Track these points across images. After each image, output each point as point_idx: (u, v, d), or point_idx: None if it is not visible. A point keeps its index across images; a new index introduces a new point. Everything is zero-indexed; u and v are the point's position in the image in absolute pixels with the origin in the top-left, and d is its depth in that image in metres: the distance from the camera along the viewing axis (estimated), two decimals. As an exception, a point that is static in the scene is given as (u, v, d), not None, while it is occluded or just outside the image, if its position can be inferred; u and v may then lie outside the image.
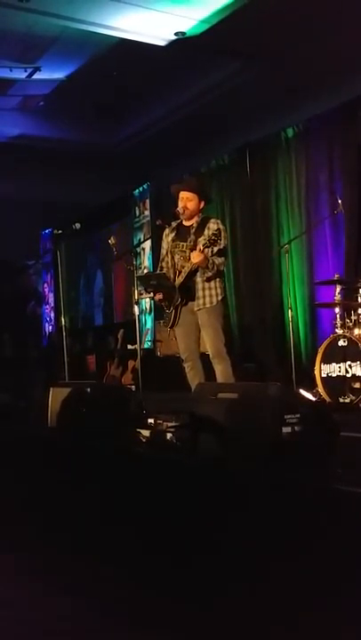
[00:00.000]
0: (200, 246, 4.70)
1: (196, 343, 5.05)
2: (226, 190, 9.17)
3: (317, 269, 7.69)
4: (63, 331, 6.68)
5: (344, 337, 5.53)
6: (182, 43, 6.82)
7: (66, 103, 8.43)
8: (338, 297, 5.81)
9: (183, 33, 6.68)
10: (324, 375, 5.61)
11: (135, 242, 10.28)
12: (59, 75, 7.75)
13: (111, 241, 5.94)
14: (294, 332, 6.66)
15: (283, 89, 7.55)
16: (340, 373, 5.48)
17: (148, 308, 10.26)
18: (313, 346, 7.36)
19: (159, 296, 5.03)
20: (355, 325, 5.54)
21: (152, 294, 5.24)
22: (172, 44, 6.86)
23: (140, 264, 10.09)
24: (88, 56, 7.28)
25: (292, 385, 5.67)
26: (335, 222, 7.37)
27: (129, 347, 8.27)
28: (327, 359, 5.61)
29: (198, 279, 4.89)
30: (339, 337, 5.58)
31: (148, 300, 9.96)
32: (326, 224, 7.45)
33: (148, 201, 10.49)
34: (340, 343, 5.55)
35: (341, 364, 5.49)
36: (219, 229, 4.77)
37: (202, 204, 5.01)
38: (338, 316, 5.72)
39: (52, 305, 12.58)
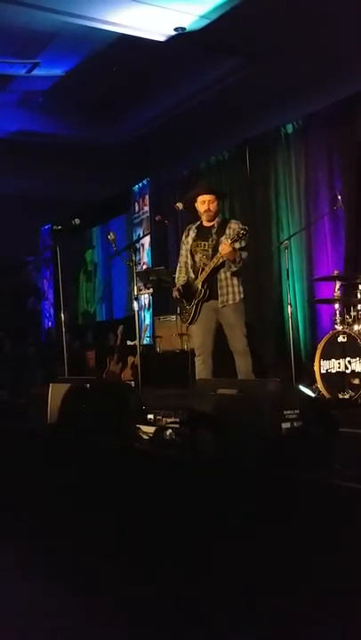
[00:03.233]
0: (229, 240, 4.90)
1: (212, 339, 5.21)
2: (225, 187, 9.16)
3: (317, 265, 7.68)
4: (63, 327, 6.68)
5: (343, 333, 5.53)
6: (182, 38, 6.80)
7: (65, 99, 8.40)
8: (337, 293, 5.82)
9: (183, 28, 6.66)
10: (324, 371, 5.62)
11: (134, 237, 10.28)
12: (58, 70, 7.73)
13: (110, 237, 5.93)
14: (294, 328, 6.67)
15: (283, 85, 7.53)
16: (340, 369, 5.49)
17: (146, 304, 10.26)
18: (312, 342, 7.36)
19: (177, 293, 5.23)
20: (354, 321, 5.55)
21: (151, 290, 5.34)
22: (171, 39, 6.85)
23: (140, 260, 10.09)
24: (87, 52, 7.26)
25: (292, 381, 5.68)
26: (335, 218, 7.36)
27: (128, 343, 8.27)
28: (327, 355, 5.62)
29: (222, 276, 5.09)
30: (338, 333, 5.58)
31: (146, 295, 9.97)
32: (326, 220, 7.45)
33: (147, 197, 10.49)
34: (340, 339, 5.55)
35: (341, 360, 5.49)
36: (243, 228, 4.96)
37: (219, 204, 5.30)
38: (337, 312, 5.73)
39: (52, 301, 12.58)
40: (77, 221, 6.44)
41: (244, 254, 5.06)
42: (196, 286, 5.14)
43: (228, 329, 5.15)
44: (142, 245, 10.29)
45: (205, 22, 6.52)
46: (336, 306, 5.78)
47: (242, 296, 5.15)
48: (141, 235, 10.32)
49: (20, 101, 8.65)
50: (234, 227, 5.08)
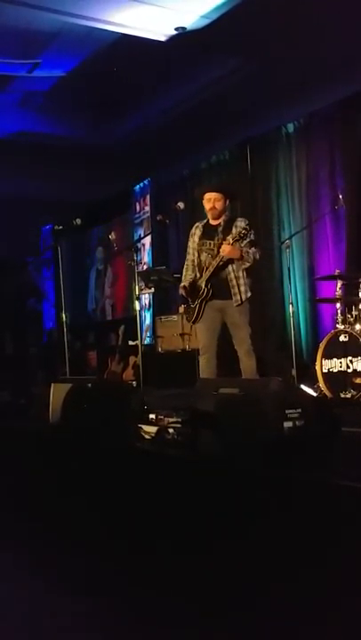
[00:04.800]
0: (229, 240, 4.85)
1: (216, 339, 5.19)
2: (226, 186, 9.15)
3: (318, 265, 7.68)
4: (64, 327, 6.67)
5: (345, 332, 5.53)
6: (183, 38, 6.80)
7: (66, 99, 8.40)
8: (339, 292, 5.83)
9: (184, 28, 6.65)
10: (326, 370, 5.62)
11: (135, 237, 10.27)
12: (59, 71, 7.73)
13: (111, 236, 5.95)
14: (295, 327, 6.66)
15: (284, 84, 7.52)
16: (342, 369, 5.49)
17: (147, 304, 10.26)
18: (314, 341, 7.35)
19: (183, 291, 5.21)
20: (356, 321, 5.55)
21: (152, 289, 5.34)
22: (172, 39, 6.84)
23: (141, 260, 10.09)
24: (88, 52, 7.26)
25: (294, 380, 5.67)
26: (336, 217, 7.35)
27: (130, 343, 8.27)
28: (328, 354, 5.62)
29: (232, 275, 5.01)
30: (340, 332, 5.59)
31: (147, 295, 9.96)
32: (327, 219, 7.44)
33: (148, 197, 10.48)
34: (341, 338, 5.56)
35: (342, 360, 5.50)
36: (245, 228, 4.94)
37: (227, 203, 5.18)
38: (339, 311, 5.74)
39: (53, 301, 12.56)
40: (79, 221, 6.44)
41: (252, 251, 4.99)
42: (200, 285, 5.10)
43: (234, 328, 5.11)
44: (143, 245, 10.29)
45: (206, 22, 6.51)
46: (338, 305, 5.79)
47: (249, 295, 5.08)
48: (142, 235, 10.31)
49: (20, 102, 8.65)
50: (239, 224, 5.02)
